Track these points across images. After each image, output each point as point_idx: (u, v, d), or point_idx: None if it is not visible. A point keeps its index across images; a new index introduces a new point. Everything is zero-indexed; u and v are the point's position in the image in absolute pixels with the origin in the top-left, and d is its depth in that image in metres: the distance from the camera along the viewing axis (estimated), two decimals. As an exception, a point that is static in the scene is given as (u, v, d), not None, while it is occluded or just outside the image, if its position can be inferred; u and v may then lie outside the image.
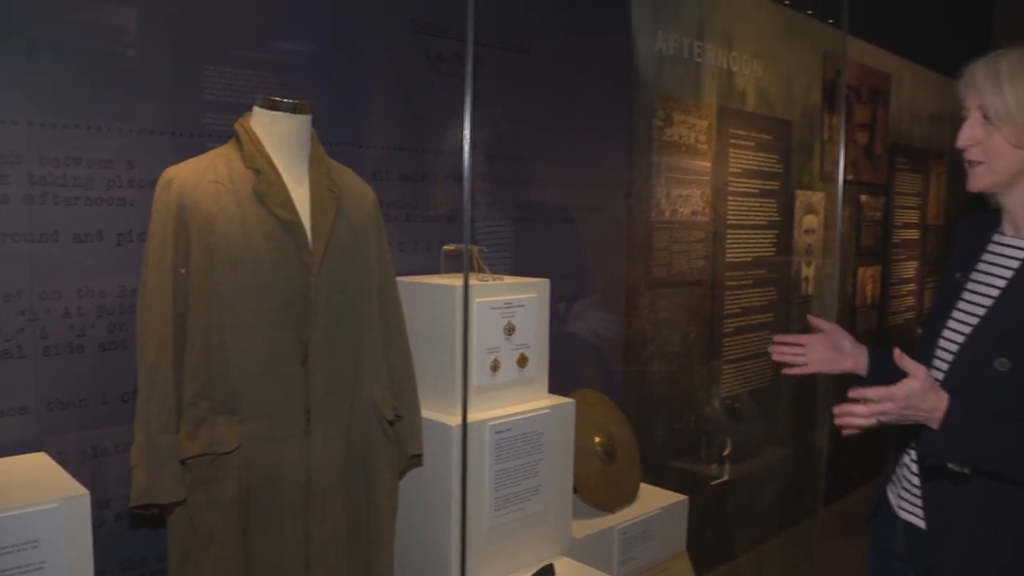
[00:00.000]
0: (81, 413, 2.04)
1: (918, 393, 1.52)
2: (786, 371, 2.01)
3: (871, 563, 1.98)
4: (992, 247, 1.75)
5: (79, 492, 1.66)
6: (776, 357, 2.01)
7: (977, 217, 1.84)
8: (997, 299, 1.66)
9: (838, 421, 1.56)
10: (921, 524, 1.75)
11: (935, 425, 1.54)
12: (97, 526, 2.00)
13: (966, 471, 1.58)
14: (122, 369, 2.06)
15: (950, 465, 1.58)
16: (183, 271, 1.85)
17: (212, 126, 2.20)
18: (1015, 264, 1.67)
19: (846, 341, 1.97)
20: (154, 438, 1.83)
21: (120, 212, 2.06)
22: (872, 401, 1.52)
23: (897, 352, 1.56)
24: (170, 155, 2.08)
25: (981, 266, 1.75)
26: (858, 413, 1.53)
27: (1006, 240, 1.72)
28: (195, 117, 2.18)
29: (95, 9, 2.01)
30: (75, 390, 2.03)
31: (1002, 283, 1.68)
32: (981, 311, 1.69)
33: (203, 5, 2.17)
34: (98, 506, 2.06)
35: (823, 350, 1.98)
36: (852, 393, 1.55)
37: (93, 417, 2.06)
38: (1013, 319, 1.61)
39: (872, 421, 1.53)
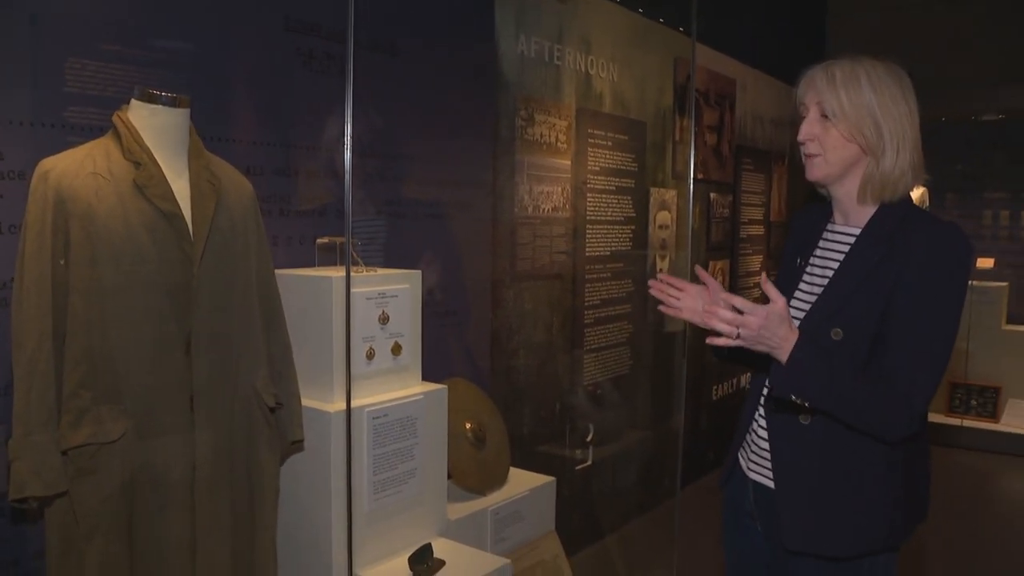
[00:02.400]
0: (-49, 410, 2.00)
1: (775, 318, 1.66)
2: (660, 308, 2.10)
3: (725, 523, 2.16)
4: (826, 235, 1.96)
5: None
6: (654, 291, 2.11)
7: (811, 208, 2.04)
8: (831, 279, 1.87)
9: (705, 318, 1.71)
10: (769, 483, 1.93)
11: (783, 357, 1.71)
12: (-31, 526, 1.97)
13: (806, 404, 1.74)
14: (-6, 364, 2.03)
15: (793, 398, 1.73)
16: (62, 263, 1.84)
17: (74, 119, 2.17)
18: (845, 248, 1.88)
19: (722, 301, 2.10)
20: (34, 430, 1.81)
21: (-12, 205, 2.02)
22: (738, 311, 1.67)
23: (763, 277, 1.70)
24: (35, 147, 2.05)
25: (817, 252, 1.96)
26: (723, 317, 1.67)
27: (837, 228, 1.93)
28: (59, 109, 2.15)
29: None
30: (-56, 386, 1.98)
31: (835, 265, 1.89)
32: (819, 290, 1.89)
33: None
34: (-31, 506, 2.02)
35: (699, 301, 2.06)
36: (723, 295, 1.68)
37: (-36, 414, 2.01)
38: (844, 296, 1.82)
39: (733, 331, 1.66)
